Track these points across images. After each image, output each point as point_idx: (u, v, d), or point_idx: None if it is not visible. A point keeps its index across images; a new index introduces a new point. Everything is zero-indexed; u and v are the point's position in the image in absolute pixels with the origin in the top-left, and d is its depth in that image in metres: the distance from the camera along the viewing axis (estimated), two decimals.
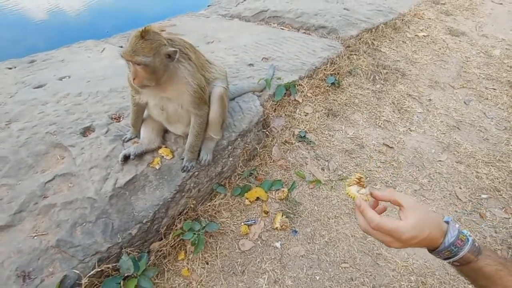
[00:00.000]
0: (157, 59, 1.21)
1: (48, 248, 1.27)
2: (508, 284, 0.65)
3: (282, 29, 3.21)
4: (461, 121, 2.48)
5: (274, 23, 3.34)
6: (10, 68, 2.59)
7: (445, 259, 0.71)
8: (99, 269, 1.29)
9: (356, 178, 0.83)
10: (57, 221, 1.34)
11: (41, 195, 1.42)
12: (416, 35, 3.42)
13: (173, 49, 1.24)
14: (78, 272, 1.24)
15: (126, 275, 1.31)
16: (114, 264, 1.33)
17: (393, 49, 3.12)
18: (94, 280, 1.29)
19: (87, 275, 1.25)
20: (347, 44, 2.87)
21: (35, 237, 1.29)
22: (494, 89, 2.88)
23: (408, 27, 3.58)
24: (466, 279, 0.74)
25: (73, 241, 1.31)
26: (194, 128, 1.51)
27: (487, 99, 2.75)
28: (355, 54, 2.84)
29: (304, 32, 3.16)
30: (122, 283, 1.30)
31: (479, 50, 3.45)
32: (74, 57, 2.72)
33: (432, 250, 0.72)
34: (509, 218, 1.80)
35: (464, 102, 2.69)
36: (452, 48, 3.39)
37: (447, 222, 0.73)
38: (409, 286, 1.52)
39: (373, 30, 3.18)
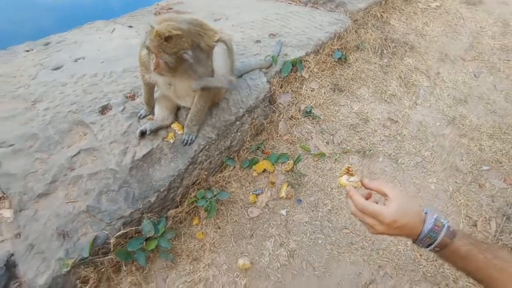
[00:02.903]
0: (177, 60, 1.37)
1: (80, 213, 1.45)
2: (479, 262, 0.73)
3: (290, 3, 3.17)
4: (469, 94, 2.47)
5: None
6: (27, 51, 2.71)
7: (427, 246, 0.79)
8: (124, 231, 1.46)
9: (345, 169, 0.91)
10: (85, 189, 1.51)
11: (69, 167, 1.59)
12: (428, 6, 3.30)
13: (189, 56, 1.38)
14: (106, 232, 1.42)
15: (147, 236, 1.49)
16: (137, 227, 1.50)
17: (403, 22, 3.05)
18: (121, 240, 1.47)
19: (114, 236, 1.43)
20: (355, 18, 2.83)
21: (68, 203, 1.47)
22: (508, 60, 2.82)
23: None
24: (447, 264, 0.82)
25: (100, 207, 1.48)
26: (196, 106, 1.62)
27: (499, 70, 2.70)
28: (363, 28, 2.81)
29: (312, 6, 3.11)
30: (144, 243, 1.48)
31: (496, 19, 3.32)
32: (86, 38, 2.81)
33: (415, 239, 0.80)
34: (508, 188, 1.86)
35: (474, 74, 2.66)
36: (467, 18, 3.27)
37: (426, 213, 0.81)
38: (406, 250, 1.65)
39: (383, 2, 3.10)
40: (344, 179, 0.90)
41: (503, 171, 1.95)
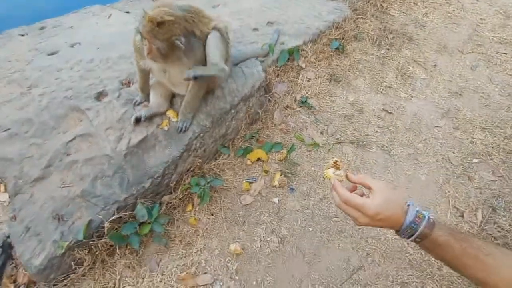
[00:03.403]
0: (170, 46, 1.36)
1: (75, 197, 1.48)
2: (455, 251, 0.77)
3: None
4: (464, 87, 2.47)
5: None
6: (22, 35, 2.68)
7: (408, 237, 0.82)
8: (118, 216, 1.50)
9: (333, 162, 0.93)
10: (80, 174, 1.54)
11: (64, 152, 1.61)
12: None
13: (181, 44, 1.37)
14: (101, 217, 1.45)
15: (141, 221, 1.52)
16: (131, 212, 1.54)
17: (403, 12, 3.02)
18: (115, 224, 1.50)
19: (109, 220, 1.46)
20: (355, 7, 2.80)
21: (63, 188, 1.49)
22: (506, 53, 2.80)
23: None
24: (426, 252, 0.86)
25: (95, 192, 1.51)
26: (190, 92, 1.64)
27: (496, 64, 2.70)
28: (362, 17, 2.78)
29: None
30: (138, 227, 1.51)
31: (497, 10, 3.27)
32: (82, 23, 2.77)
33: (398, 231, 0.83)
34: (496, 180, 1.89)
35: (471, 67, 2.65)
36: (467, 9, 3.23)
37: (409, 205, 0.84)
38: (393, 238, 1.69)
39: None
40: (330, 172, 0.92)
41: (492, 164, 1.98)
